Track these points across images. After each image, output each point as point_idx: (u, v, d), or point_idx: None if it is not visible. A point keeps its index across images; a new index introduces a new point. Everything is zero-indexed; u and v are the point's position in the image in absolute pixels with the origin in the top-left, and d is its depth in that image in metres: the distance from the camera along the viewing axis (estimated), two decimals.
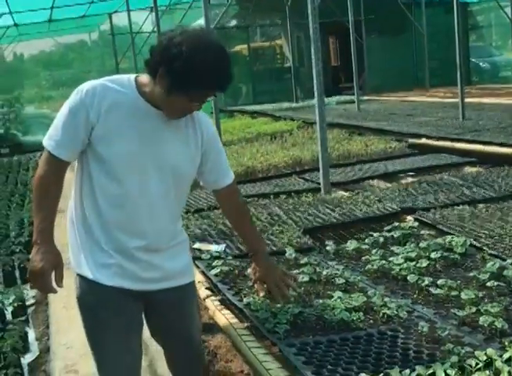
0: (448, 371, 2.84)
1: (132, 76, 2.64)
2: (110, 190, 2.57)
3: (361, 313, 3.69)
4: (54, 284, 2.62)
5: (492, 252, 4.72)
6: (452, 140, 10.35)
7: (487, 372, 2.82)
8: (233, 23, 25.30)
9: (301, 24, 19.75)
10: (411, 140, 10.87)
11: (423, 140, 10.79)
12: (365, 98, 19.94)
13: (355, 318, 3.64)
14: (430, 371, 2.87)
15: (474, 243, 4.95)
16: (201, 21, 12.99)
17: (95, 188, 2.58)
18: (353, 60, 16.73)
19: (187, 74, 2.37)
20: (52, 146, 2.55)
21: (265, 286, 3.48)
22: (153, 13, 18.19)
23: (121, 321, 2.65)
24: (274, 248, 5.13)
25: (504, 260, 4.44)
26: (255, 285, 3.40)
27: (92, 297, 2.64)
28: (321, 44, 23.66)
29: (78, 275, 2.68)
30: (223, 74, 2.45)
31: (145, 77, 2.59)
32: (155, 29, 18.78)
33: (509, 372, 2.79)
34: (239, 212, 3.13)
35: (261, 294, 3.43)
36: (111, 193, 2.57)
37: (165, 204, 2.67)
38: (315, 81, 7.09)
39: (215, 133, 2.86)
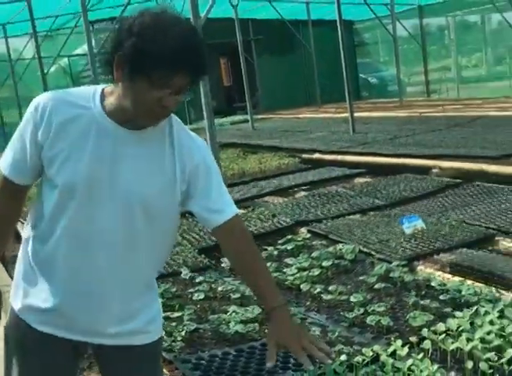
0: (338, 369, 2.96)
1: (100, 87, 2.16)
2: (59, 222, 2.10)
3: (256, 324, 3.77)
4: None
5: (380, 256, 4.92)
6: (343, 153, 10.68)
7: (373, 366, 2.96)
8: None
9: None
10: (304, 155, 11.11)
11: (316, 155, 11.05)
12: (260, 117, 20.23)
13: (250, 329, 3.72)
14: (321, 371, 2.98)
15: (363, 249, 5.14)
16: (85, 46, 12.93)
17: (44, 216, 2.14)
18: (244, 80, 16.99)
19: (141, 49, 1.93)
20: (1, 166, 2.18)
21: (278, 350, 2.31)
22: (33, 39, 17.98)
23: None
24: (170, 270, 5.15)
25: (390, 263, 4.63)
26: (268, 350, 2.25)
27: (17, 336, 2.23)
28: (212, 65, 23.69)
29: (11, 307, 2.27)
30: (185, 49, 1.94)
31: (111, 86, 2.12)
32: (35, 55, 18.52)
33: (392, 364, 2.93)
34: (246, 258, 2.32)
35: (270, 363, 2.24)
36: (60, 226, 2.10)
37: (128, 251, 2.13)
38: (203, 102, 7.19)
39: (206, 160, 2.21)
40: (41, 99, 2.10)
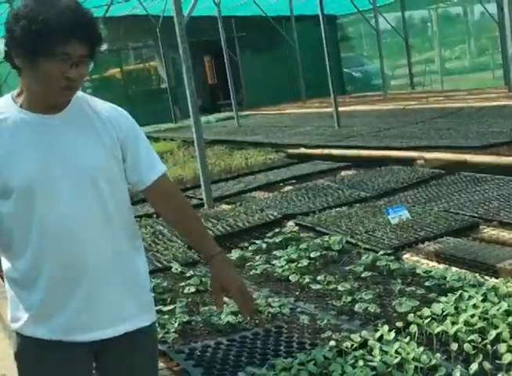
0: (327, 354, 3.05)
1: (7, 95, 2.24)
2: (31, 226, 2.12)
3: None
4: None
5: (366, 246, 5.02)
6: (329, 147, 10.78)
7: (361, 351, 3.05)
8: (104, 46, 25.24)
9: (173, 45, 19.95)
10: (290, 150, 11.20)
11: (302, 150, 11.14)
12: (245, 113, 20.30)
13: (241, 319, 3.80)
14: (311, 357, 3.07)
15: (350, 240, 5.24)
16: None
17: (11, 231, 2.14)
18: (228, 77, 17.05)
19: (30, 30, 2.01)
20: None
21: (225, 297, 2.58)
22: None
23: None
24: (160, 265, 5.23)
25: (377, 252, 4.72)
26: (214, 296, 2.52)
27: (29, 355, 2.23)
28: (197, 63, 23.50)
29: (14, 331, 2.26)
30: (71, 19, 2.03)
31: (17, 89, 2.21)
32: None
33: (380, 348, 3.02)
34: (178, 212, 2.43)
35: (220, 308, 2.57)
36: (35, 230, 2.12)
37: (105, 223, 2.19)
38: (189, 100, 7.25)
39: (134, 126, 2.35)
40: None
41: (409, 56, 23.46)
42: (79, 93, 2.24)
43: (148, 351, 2.35)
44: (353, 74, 27.85)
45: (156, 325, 2.45)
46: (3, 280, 2.31)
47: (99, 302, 2.18)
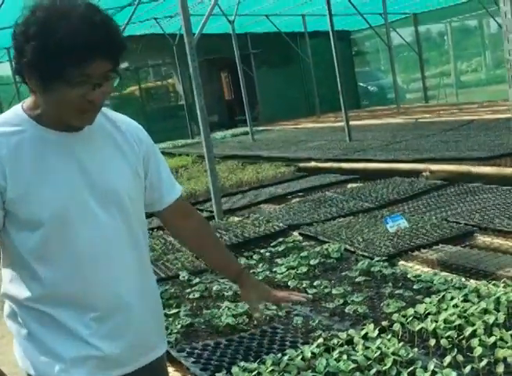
0: (314, 351, 3.30)
1: (17, 107, 1.95)
2: (60, 256, 1.91)
3: (245, 317, 4.11)
4: None
5: (364, 254, 5.25)
6: (338, 161, 11.04)
7: (346, 347, 3.30)
8: (124, 65, 25.74)
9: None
10: (301, 164, 11.45)
11: (312, 163, 11.40)
12: (261, 128, 20.64)
13: (240, 321, 4.06)
14: (299, 353, 3.32)
15: (349, 248, 5.48)
16: None
17: (35, 266, 1.91)
18: (243, 93, 17.38)
19: (44, 52, 1.72)
20: None
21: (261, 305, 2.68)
22: None
23: None
24: (169, 273, 5.49)
25: (372, 259, 4.96)
26: (251, 306, 2.53)
27: None
28: (213, 79, 23.91)
29: None
30: (91, 35, 1.74)
31: (27, 100, 1.94)
32: None
33: (363, 344, 3.27)
34: (199, 233, 2.36)
35: (258, 314, 2.64)
36: (62, 259, 1.91)
37: (133, 245, 2.05)
38: (199, 116, 7.54)
39: (149, 140, 2.19)
40: None
41: (422, 70, 23.71)
42: None
43: (165, 370, 2.36)
44: (368, 88, 28.17)
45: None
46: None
47: (135, 331, 2.05)
